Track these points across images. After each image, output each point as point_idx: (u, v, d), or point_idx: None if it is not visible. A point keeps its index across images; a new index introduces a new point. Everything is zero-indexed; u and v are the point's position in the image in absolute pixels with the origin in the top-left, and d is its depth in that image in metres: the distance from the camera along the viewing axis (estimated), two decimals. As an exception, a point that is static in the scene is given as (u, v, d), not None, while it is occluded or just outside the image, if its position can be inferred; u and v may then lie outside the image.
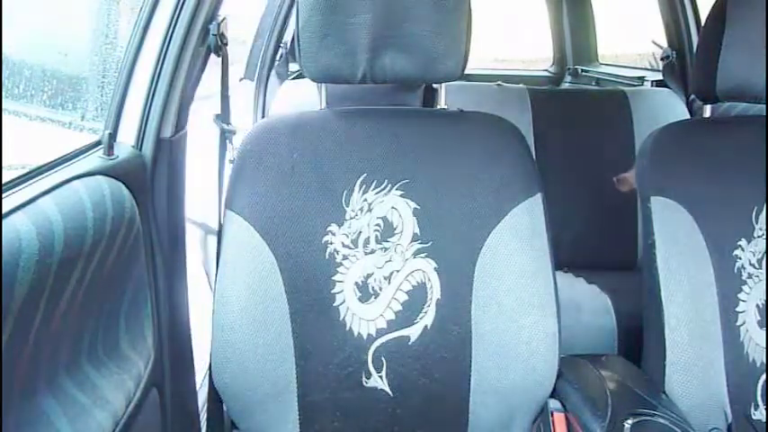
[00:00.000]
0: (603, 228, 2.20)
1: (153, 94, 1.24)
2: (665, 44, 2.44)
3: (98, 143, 1.17)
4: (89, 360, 1.06)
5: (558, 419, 1.22)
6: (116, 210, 1.08)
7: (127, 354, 1.15)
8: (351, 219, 1.26)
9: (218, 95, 1.42)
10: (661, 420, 1.12)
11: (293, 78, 2.72)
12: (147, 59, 1.23)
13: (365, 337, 1.26)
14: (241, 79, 2.70)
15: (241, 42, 2.79)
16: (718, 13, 1.33)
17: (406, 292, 1.26)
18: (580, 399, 1.21)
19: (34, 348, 0.90)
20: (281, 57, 2.69)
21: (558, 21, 3.50)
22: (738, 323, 1.28)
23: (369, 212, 1.26)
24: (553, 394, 1.26)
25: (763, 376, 1.28)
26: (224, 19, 1.32)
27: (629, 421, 1.11)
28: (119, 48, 1.30)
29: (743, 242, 1.30)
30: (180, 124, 1.31)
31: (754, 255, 1.31)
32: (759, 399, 1.28)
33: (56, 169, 1.05)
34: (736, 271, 1.30)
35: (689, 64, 2.31)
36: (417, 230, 1.26)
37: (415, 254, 1.26)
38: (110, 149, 1.15)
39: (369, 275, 1.26)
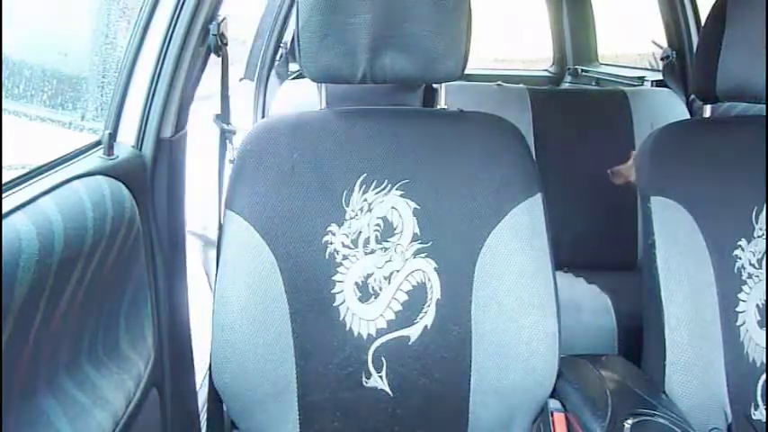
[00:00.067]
0: (603, 228, 2.20)
1: (153, 94, 1.24)
2: (665, 44, 2.44)
3: (98, 143, 1.17)
4: (89, 360, 1.06)
5: (558, 419, 1.22)
6: (116, 210, 1.08)
7: (127, 354, 1.15)
8: (351, 219, 1.26)
9: (218, 95, 1.42)
10: (661, 420, 1.12)
11: (293, 78, 2.72)
12: (147, 59, 1.23)
13: (365, 337, 1.26)
14: (241, 79, 2.70)
15: (241, 42, 2.79)
16: (718, 13, 1.33)
17: (406, 292, 1.26)
18: (580, 399, 1.21)
19: (34, 348, 0.90)
20: (281, 57, 2.69)
21: (558, 21, 3.50)
22: (738, 323, 1.28)
23: (369, 212, 1.26)
24: (553, 394, 1.26)
25: (763, 376, 1.28)
26: (224, 19, 1.32)
27: (629, 421, 1.11)
28: (119, 48, 1.30)
29: (743, 242, 1.30)
30: (180, 124, 1.31)
31: (754, 255, 1.31)
32: (759, 399, 1.28)
33: (56, 169, 1.05)
34: (736, 271, 1.30)
35: (689, 64, 2.31)
36: (417, 230, 1.26)
37: (415, 254, 1.26)
38: (110, 149, 1.15)
39: (369, 275, 1.26)
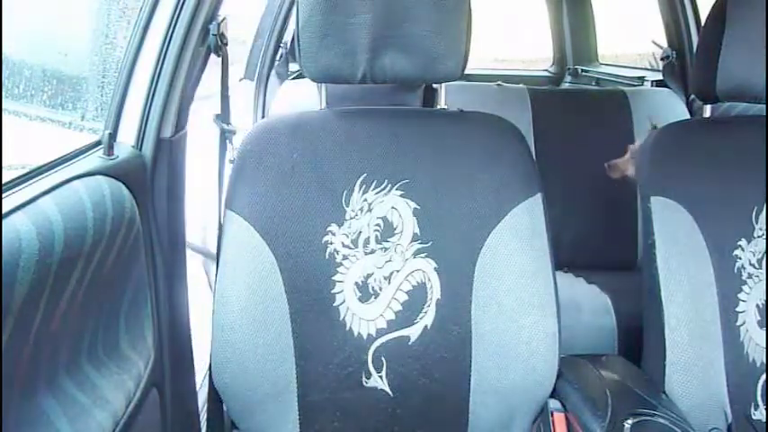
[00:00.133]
0: (603, 228, 2.20)
1: (153, 94, 1.24)
2: (665, 44, 2.44)
3: (98, 143, 1.17)
4: (89, 360, 1.06)
5: (558, 419, 1.22)
6: (116, 210, 1.08)
7: (127, 354, 1.15)
8: (351, 219, 1.26)
9: (218, 95, 1.42)
10: (661, 420, 1.12)
11: (293, 78, 2.72)
12: (147, 59, 1.23)
13: (365, 337, 1.26)
14: (241, 79, 2.71)
15: (241, 42, 2.80)
16: (718, 13, 1.33)
17: (406, 292, 1.26)
18: (580, 399, 1.21)
19: (34, 348, 0.90)
20: (281, 57, 2.69)
21: (558, 21, 3.51)
22: (738, 323, 1.28)
23: (369, 212, 1.26)
24: (553, 394, 1.26)
25: (763, 376, 1.28)
26: (224, 19, 1.32)
27: (629, 421, 1.11)
28: (119, 48, 1.30)
29: (743, 242, 1.30)
30: (180, 124, 1.31)
31: (754, 255, 1.31)
32: (759, 399, 1.28)
33: (56, 169, 1.05)
34: (736, 271, 1.30)
35: (689, 64, 2.31)
36: (417, 230, 1.26)
37: (415, 254, 1.26)
38: (110, 149, 1.15)
39: (369, 275, 1.26)
